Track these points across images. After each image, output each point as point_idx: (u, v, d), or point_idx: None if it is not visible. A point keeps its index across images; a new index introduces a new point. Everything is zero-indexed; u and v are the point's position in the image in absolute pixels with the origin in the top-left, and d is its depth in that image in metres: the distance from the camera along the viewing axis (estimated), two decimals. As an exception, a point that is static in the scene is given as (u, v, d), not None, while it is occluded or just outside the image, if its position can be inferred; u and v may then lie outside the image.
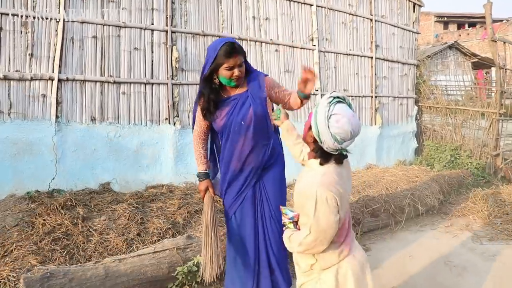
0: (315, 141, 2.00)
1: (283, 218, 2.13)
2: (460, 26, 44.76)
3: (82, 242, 3.54)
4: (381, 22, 7.41)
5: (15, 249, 3.35)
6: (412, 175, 6.54)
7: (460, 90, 9.81)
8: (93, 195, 4.48)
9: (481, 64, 20.87)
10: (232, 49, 2.59)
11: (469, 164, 7.14)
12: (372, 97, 7.33)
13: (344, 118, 1.88)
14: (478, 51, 26.94)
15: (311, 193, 1.91)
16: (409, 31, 7.92)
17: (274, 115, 2.58)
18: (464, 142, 7.61)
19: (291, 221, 2.09)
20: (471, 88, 13.93)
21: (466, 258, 4.18)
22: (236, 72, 2.63)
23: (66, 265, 3.21)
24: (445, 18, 43.93)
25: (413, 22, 7.98)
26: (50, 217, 3.75)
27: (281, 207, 2.19)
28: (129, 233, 3.72)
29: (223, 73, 2.64)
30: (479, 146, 7.33)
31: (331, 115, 1.90)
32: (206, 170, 2.95)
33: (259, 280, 2.84)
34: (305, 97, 2.68)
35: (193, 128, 2.95)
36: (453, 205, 5.78)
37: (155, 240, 3.66)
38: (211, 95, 2.72)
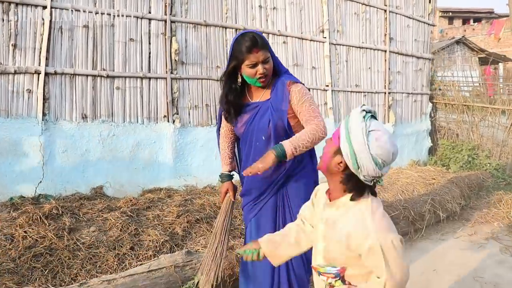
0: (345, 169, 1.56)
1: (321, 277, 1.71)
2: (465, 21, 44.32)
3: (67, 258, 3.12)
4: (396, 13, 6.98)
5: (-11, 266, 2.93)
6: (428, 177, 6.14)
7: (468, 86, 9.42)
8: (83, 202, 4.07)
9: (487, 60, 20.38)
10: (254, 43, 2.25)
11: (488, 164, 6.72)
12: (385, 93, 6.90)
13: (385, 135, 1.49)
14: (484, 46, 26.51)
15: (373, 246, 1.50)
16: (424, 23, 7.49)
17: (245, 256, 1.95)
18: (482, 141, 7.18)
19: (337, 278, 1.67)
20: (480, 84, 13.51)
21: (496, 272, 3.80)
22: (260, 69, 2.29)
23: (48, 286, 2.80)
24: (450, 14, 43.48)
25: (428, 14, 7.54)
26: (32, 229, 3.33)
27: (315, 267, 1.74)
28: (121, 247, 3.30)
29: (246, 71, 2.32)
30: (499, 146, 6.90)
31: (369, 131, 1.49)
32: (229, 171, 2.65)
33: None
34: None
35: (219, 125, 2.68)
36: (475, 211, 5.38)
37: (151, 255, 3.24)
38: (230, 95, 2.42)
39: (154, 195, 4.48)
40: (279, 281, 2.46)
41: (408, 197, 4.99)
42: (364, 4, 6.56)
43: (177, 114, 5.05)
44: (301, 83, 2.47)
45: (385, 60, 6.89)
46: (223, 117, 2.58)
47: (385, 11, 6.82)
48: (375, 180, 1.55)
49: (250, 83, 2.40)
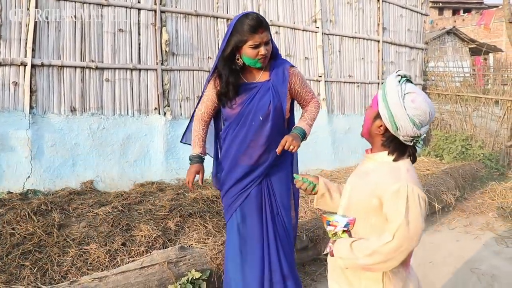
0: (385, 132, 1.64)
1: (329, 228, 1.70)
2: (455, 12, 44.44)
3: (57, 255, 3.03)
4: (389, 3, 6.93)
5: (-24, 265, 2.84)
6: (422, 168, 6.14)
7: (459, 77, 9.41)
8: (73, 196, 3.97)
9: (478, 51, 20.48)
10: (259, 23, 2.26)
11: (481, 155, 6.71)
12: (378, 83, 6.86)
13: (420, 96, 1.56)
14: (474, 37, 26.65)
15: (400, 189, 1.53)
16: (417, 12, 7.43)
17: (300, 183, 1.95)
18: (475, 131, 7.17)
19: (346, 229, 1.66)
20: (471, 74, 13.54)
21: (493, 263, 3.78)
22: (262, 50, 2.31)
23: (37, 284, 2.71)
24: (440, 4, 43.56)
25: (422, 3, 7.47)
26: (20, 225, 3.23)
27: (325, 215, 1.73)
28: (112, 243, 3.21)
29: (248, 52, 2.31)
30: (492, 136, 6.88)
31: (404, 94, 1.57)
32: (201, 154, 2.59)
33: (272, 286, 2.53)
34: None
35: (196, 107, 2.65)
36: (470, 201, 5.39)
37: (143, 251, 3.16)
38: (231, 77, 2.39)
39: (146, 189, 4.39)
40: (269, 259, 2.52)
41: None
42: (357, -7, 6.49)
43: (168, 106, 4.96)
44: (295, 67, 2.57)
45: (379, 50, 6.83)
46: (205, 97, 2.55)
47: (378, 0, 6.75)
48: (414, 140, 1.61)
49: (249, 64, 2.38)
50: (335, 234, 1.67)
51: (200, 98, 2.61)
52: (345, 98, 6.43)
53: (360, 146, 5.97)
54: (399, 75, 1.61)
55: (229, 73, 2.37)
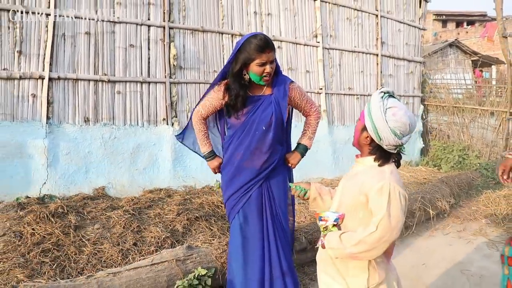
0: (371, 142, 1.88)
1: (320, 223, 1.90)
2: (458, 24, 44.68)
3: (74, 253, 3.28)
4: (387, 18, 7.19)
5: (0, 261, 3.09)
6: (419, 177, 6.34)
7: (461, 89, 9.62)
8: (87, 201, 4.23)
9: (482, 63, 20.68)
10: (266, 44, 2.52)
11: (478, 164, 6.92)
12: (377, 96, 7.07)
13: (401, 110, 1.80)
14: (477, 49, 26.87)
15: (383, 187, 1.76)
16: (415, 27, 7.70)
17: (294, 190, 2.24)
18: (472, 142, 7.38)
19: (335, 223, 1.87)
20: (472, 86, 13.71)
21: (483, 265, 3.96)
22: (268, 68, 2.56)
23: (56, 279, 2.95)
24: (444, 17, 43.85)
25: (419, 18, 7.74)
26: (40, 226, 3.49)
27: (318, 212, 1.97)
28: (124, 243, 3.46)
29: (254, 69, 2.56)
30: (488, 146, 7.09)
31: (386, 109, 1.81)
32: (212, 149, 2.92)
33: (272, 281, 2.77)
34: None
35: (196, 106, 2.88)
36: (464, 209, 5.56)
37: (153, 251, 3.40)
38: (241, 91, 2.63)
39: (155, 195, 4.64)
40: (270, 256, 2.75)
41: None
42: (356, 9, 6.76)
43: (176, 117, 5.22)
44: (295, 82, 2.87)
45: (377, 63, 7.10)
46: (207, 101, 2.79)
47: (377, 16, 7.03)
48: (398, 148, 1.85)
49: (254, 80, 2.62)
50: (326, 228, 1.87)
51: (200, 99, 2.86)
52: (345, 110, 6.68)
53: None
54: (382, 91, 1.85)
55: (239, 87, 2.62)
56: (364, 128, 1.87)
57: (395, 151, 1.86)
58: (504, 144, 6.86)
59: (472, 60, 23.46)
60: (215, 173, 2.94)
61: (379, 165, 1.87)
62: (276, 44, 5.94)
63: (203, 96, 2.85)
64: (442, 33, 40.42)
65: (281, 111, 2.68)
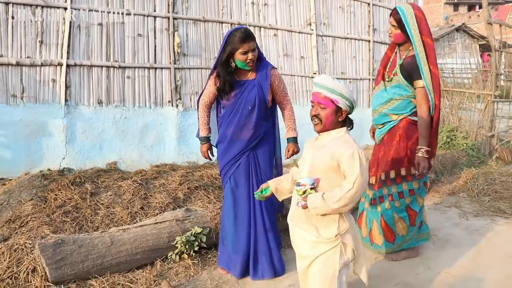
0: (343, 114, 2.33)
1: (299, 188, 2.23)
2: (470, 8, 44.15)
3: (90, 215, 3.87)
4: (379, 6, 7.55)
5: (30, 220, 3.69)
6: (407, 155, 6.76)
7: (467, 73, 9.85)
8: (101, 173, 4.80)
9: (490, 47, 20.68)
10: (247, 35, 3.03)
11: (465, 145, 7.32)
12: (369, 79, 7.52)
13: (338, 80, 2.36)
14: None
15: (354, 152, 2.17)
16: (407, 14, 8.02)
17: (258, 197, 2.63)
18: (460, 123, 7.79)
19: (312, 186, 2.22)
20: (478, 70, 13.91)
21: (450, 232, 4.35)
22: (250, 56, 3.06)
23: (76, 234, 3.53)
24: (455, 0, 43.37)
25: (411, 6, 8.07)
26: (61, 192, 4.08)
27: (295, 179, 2.33)
28: (133, 207, 4.04)
29: (239, 57, 3.06)
30: (475, 128, 7.50)
31: (343, 83, 2.32)
32: (207, 135, 3.43)
33: (256, 235, 3.30)
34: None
35: (199, 97, 3.38)
36: (445, 184, 5.96)
37: (157, 213, 3.96)
38: (227, 77, 3.14)
39: (161, 169, 5.19)
40: (254, 214, 3.29)
41: (382, 171, 5.64)
42: (348, -2, 7.18)
43: (180, 99, 5.75)
44: (276, 68, 3.37)
45: (369, 49, 7.49)
46: (207, 89, 3.31)
47: (369, 4, 7.39)
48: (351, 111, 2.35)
49: (240, 67, 3.15)
50: (304, 192, 2.21)
51: (202, 91, 3.38)
52: (338, 93, 7.14)
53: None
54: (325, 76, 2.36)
55: (226, 74, 3.16)
56: (337, 110, 2.28)
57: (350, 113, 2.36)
58: (489, 125, 7.27)
59: (480, 45, 23.48)
60: (204, 156, 3.46)
61: (350, 129, 2.35)
62: (272, 32, 6.41)
63: (204, 86, 3.38)
64: (453, 17, 40.10)
65: (263, 93, 3.19)
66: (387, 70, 3.50)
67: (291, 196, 2.49)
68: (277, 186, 2.56)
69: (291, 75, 6.54)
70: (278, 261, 3.38)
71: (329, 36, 7.00)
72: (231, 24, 6.05)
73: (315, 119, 2.34)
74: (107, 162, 5.23)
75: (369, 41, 7.49)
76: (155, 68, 5.59)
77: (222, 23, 6.01)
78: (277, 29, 6.45)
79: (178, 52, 5.68)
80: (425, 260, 3.73)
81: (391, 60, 3.51)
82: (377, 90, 3.56)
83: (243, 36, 3.02)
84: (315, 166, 2.29)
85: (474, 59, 18.92)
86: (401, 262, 3.66)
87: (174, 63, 5.67)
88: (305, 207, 2.23)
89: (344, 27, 7.19)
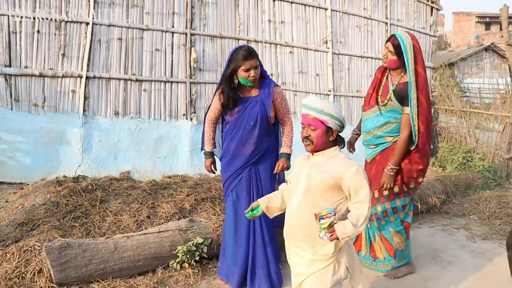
0: (334, 133, 2.39)
1: (324, 221, 2.18)
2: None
3: (98, 221, 4.03)
4: (397, 26, 7.58)
5: (41, 224, 3.88)
6: (420, 175, 6.72)
7: (494, 93, 9.77)
8: (113, 182, 4.98)
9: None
10: (249, 53, 3.15)
11: (481, 166, 7.23)
12: (385, 98, 7.52)
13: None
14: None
15: (358, 169, 2.27)
16: (426, 34, 8.03)
17: (249, 216, 2.69)
18: (477, 144, 7.70)
19: (335, 216, 2.22)
20: (506, 91, 13.67)
21: (455, 253, 4.31)
22: (252, 73, 3.17)
23: (82, 239, 3.69)
24: (487, 19, 42.67)
25: (430, 26, 8.09)
26: (73, 199, 4.27)
27: (316, 213, 2.21)
28: (140, 215, 4.18)
29: (241, 74, 3.18)
30: (493, 149, 7.40)
31: (332, 103, 2.41)
32: (212, 150, 3.57)
33: (255, 248, 3.39)
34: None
35: (206, 113, 3.52)
36: (456, 205, 5.88)
37: (162, 222, 4.08)
38: (231, 93, 3.27)
39: (172, 180, 5.33)
40: (254, 228, 3.37)
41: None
42: (365, 17, 7.21)
43: (195, 113, 5.92)
44: (279, 86, 3.46)
45: (386, 68, 7.52)
46: (213, 105, 3.44)
47: (386, 23, 7.44)
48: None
49: (243, 83, 3.27)
50: (330, 223, 2.16)
51: (209, 107, 3.52)
52: (353, 110, 7.18)
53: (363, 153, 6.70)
54: (310, 98, 2.41)
55: (229, 90, 3.28)
56: (327, 130, 2.34)
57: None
58: (507, 147, 7.16)
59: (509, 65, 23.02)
60: (208, 170, 3.63)
61: (342, 147, 2.44)
62: (288, 49, 6.54)
63: (210, 103, 3.52)
64: (484, 36, 39.40)
65: (265, 109, 3.29)
66: (380, 94, 3.58)
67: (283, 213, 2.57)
68: (267, 205, 2.62)
69: (306, 92, 6.63)
70: (275, 274, 3.45)
71: (345, 55, 7.07)
72: (248, 41, 6.21)
73: (306, 141, 2.39)
74: (121, 171, 5.41)
75: (385, 60, 7.49)
76: (171, 82, 5.79)
77: (238, 39, 6.17)
78: (293, 47, 6.57)
79: (194, 67, 5.87)
80: (425, 280, 3.74)
81: (383, 84, 3.61)
82: (372, 114, 3.64)
83: (245, 53, 3.14)
84: (312, 185, 2.34)
85: (502, 80, 18.65)
86: (399, 282, 3.68)
87: (190, 78, 5.86)
88: (333, 239, 2.17)
89: (360, 45, 7.25)
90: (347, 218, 2.24)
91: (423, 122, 3.40)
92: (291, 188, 2.55)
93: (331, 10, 6.83)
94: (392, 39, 3.40)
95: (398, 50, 3.34)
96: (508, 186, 6.79)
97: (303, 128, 2.42)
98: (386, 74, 3.62)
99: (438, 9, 8.08)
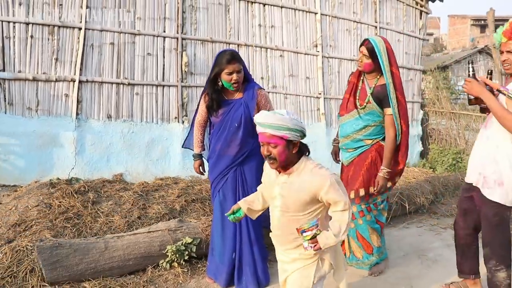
0: (296, 145, 2.31)
1: (306, 233, 2.25)
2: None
3: (90, 222, 4.12)
4: (386, 29, 7.70)
5: (34, 224, 3.95)
6: (409, 176, 6.80)
7: None
8: (106, 184, 5.06)
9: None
10: (232, 57, 3.25)
11: (470, 167, 7.32)
12: (375, 101, 7.62)
13: (292, 114, 2.31)
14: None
15: (331, 181, 2.23)
16: (415, 37, 8.16)
17: (232, 219, 2.69)
18: (467, 146, 7.81)
19: (317, 227, 2.28)
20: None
21: (440, 253, 4.40)
22: (234, 77, 3.26)
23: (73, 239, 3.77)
24: (482, 22, 42.92)
25: (419, 29, 8.22)
26: (65, 200, 4.35)
27: (298, 228, 2.28)
28: (131, 216, 4.27)
29: (225, 77, 3.27)
30: (481, 151, 7.49)
31: (288, 114, 2.29)
32: (200, 152, 3.67)
33: (241, 247, 3.48)
34: None
35: (194, 115, 3.60)
36: (444, 206, 5.99)
37: (153, 223, 4.17)
38: (214, 95, 3.37)
39: (164, 182, 5.41)
40: (240, 227, 3.46)
41: (379, 191, 5.73)
42: (355, 21, 7.33)
43: (186, 116, 6.01)
44: (263, 89, 3.56)
45: (376, 71, 7.63)
46: (200, 108, 3.55)
47: (376, 27, 7.57)
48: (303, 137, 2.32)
49: (226, 86, 3.37)
50: (313, 235, 2.24)
51: (196, 110, 3.63)
52: (343, 113, 7.30)
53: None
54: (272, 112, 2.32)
55: (213, 92, 3.39)
56: (288, 144, 2.25)
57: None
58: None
59: (504, 67, 23.16)
60: (196, 171, 3.71)
61: (307, 154, 2.38)
62: (278, 53, 6.65)
63: (197, 105, 3.62)
64: (480, 39, 39.63)
65: (249, 111, 3.38)
66: (357, 98, 3.67)
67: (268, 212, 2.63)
68: (248, 207, 2.66)
69: (296, 95, 6.74)
70: (262, 272, 3.53)
71: (335, 58, 7.18)
72: (238, 45, 6.31)
73: (268, 159, 2.31)
74: (113, 173, 5.50)
75: (375, 63, 7.60)
76: (163, 86, 5.88)
77: (229, 43, 6.27)
78: (283, 50, 6.67)
79: (185, 71, 5.97)
80: (410, 278, 3.82)
81: (359, 88, 3.70)
82: (350, 118, 3.72)
83: (229, 57, 3.24)
84: (289, 205, 2.35)
85: (497, 82, 18.83)
86: (384, 280, 3.77)
87: (182, 81, 5.95)
88: (317, 249, 2.25)
89: (350, 49, 7.37)
90: (329, 227, 2.28)
91: (405, 121, 3.53)
92: (265, 196, 2.62)
93: (321, 14, 6.94)
94: (366, 43, 3.50)
95: (372, 53, 3.45)
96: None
97: (262, 146, 2.32)
98: (362, 78, 3.71)
99: (427, 13, 8.21)
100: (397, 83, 3.47)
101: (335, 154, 4.09)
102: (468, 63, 3.09)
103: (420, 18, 8.20)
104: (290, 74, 6.73)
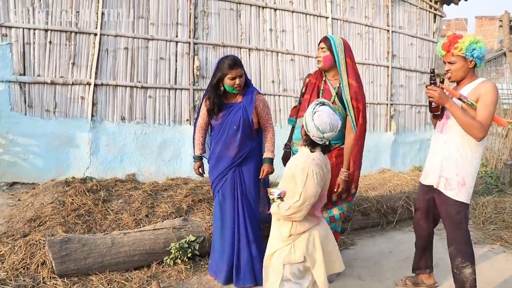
0: (306, 133, 2.60)
1: (270, 196, 2.60)
2: (528, 30, 42.34)
3: (100, 219, 4.32)
4: (399, 33, 7.72)
5: (48, 220, 4.19)
6: (418, 180, 6.80)
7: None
8: (118, 183, 5.27)
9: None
10: (234, 63, 3.39)
11: (484, 172, 7.26)
12: (387, 104, 7.66)
13: (324, 113, 2.50)
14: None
15: (304, 168, 2.46)
16: (429, 41, 8.15)
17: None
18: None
19: (278, 197, 2.58)
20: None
21: (442, 257, 4.31)
22: (237, 81, 3.41)
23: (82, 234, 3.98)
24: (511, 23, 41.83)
25: (433, 32, 8.19)
26: (78, 198, 4.57)
27: (268, 189, 2.66)
28: (139, 214, 4.45)
29: (227, 82, 3.42)
30: (495, 155, 7.42)
31: (315, 112, 2.53)
32: (200, 154, 3.81)
33: (240, 245, 3.60)
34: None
35: (196, 119, 3.74)
36: (453, 210, 5.97)
37: (160, 221, 4.34)
38: (216, 99, 3.51)
39: (174, 182, 5.58)
40: (238, 226, 3.60)
41: (385, 194, 5.77)
42: (367, 25, 7.38)
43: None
44: (261, 93, 3.69)
45: (388, 75, 7.64)
46: (201, 112, 3.69)
47: (388, 31, 7.59)
48: (323, 141, 2.55)
49: (228, 91, 3.51)
50: (273, 200, 2.59)
51: (198, 113, 3.78)
52: (354, 116, 7.34)
53: (366, 157, 6.84)
54: (317, 101, 2.58)
55: (215, 96, 3.54)
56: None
57: (322, 143, 2.56)
58: (509, 153, 7.18)
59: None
60: (196, 173, 3.83)
61: (310, 151, 2.59)
62: (289, 57, 6.76)
63: (199, 110, 3.77)
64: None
65: (248, 115, 3.51)
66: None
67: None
68: None
69: (307, 98, 6.82)
70: (259, 270, 3.64)
71: (346, 62, 7.22)
72: (249, 49, 6.46)
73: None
74: (126, 173, 5.72)
75: (387, 66, 7.65)
76: (175, 89, 6.08)
77: (240, 48, 6.42)
78: (294, 54, 6.79)
79: (197, 75, 6.14)
80: (408, 281, 3.86)
81: (322, 88, 3.62)
82: None
83: (231, 63, 3.39)
84: (283, 177, 2.67)
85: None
86: (384, 283, 3.82)
87: (193, 85, 6.13)
88: (267, 211, 2.63)
89: (362, 53, 7.41)
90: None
91: (363, 116, 3.52)
92: None
93: (332, 18, 7.02)
94: (324, 39, 3.54)
95: (329, 47, 3.46)
96: (510, 192, 6.78)
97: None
98: (324, 79, 3.65)
99: (441, 16, 8.17)
100: (350, 72, 3.50)
101: (286, 160, 3.84)
102: (430, 70, 3.15)
103: (434, 22, 8.17)
104: (301, 77, 6.82)
